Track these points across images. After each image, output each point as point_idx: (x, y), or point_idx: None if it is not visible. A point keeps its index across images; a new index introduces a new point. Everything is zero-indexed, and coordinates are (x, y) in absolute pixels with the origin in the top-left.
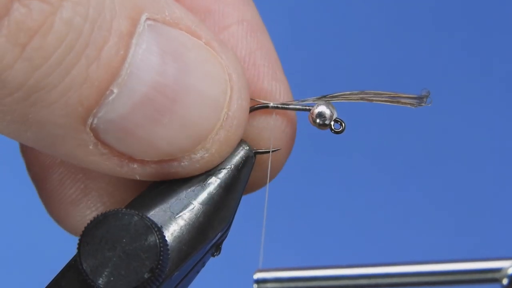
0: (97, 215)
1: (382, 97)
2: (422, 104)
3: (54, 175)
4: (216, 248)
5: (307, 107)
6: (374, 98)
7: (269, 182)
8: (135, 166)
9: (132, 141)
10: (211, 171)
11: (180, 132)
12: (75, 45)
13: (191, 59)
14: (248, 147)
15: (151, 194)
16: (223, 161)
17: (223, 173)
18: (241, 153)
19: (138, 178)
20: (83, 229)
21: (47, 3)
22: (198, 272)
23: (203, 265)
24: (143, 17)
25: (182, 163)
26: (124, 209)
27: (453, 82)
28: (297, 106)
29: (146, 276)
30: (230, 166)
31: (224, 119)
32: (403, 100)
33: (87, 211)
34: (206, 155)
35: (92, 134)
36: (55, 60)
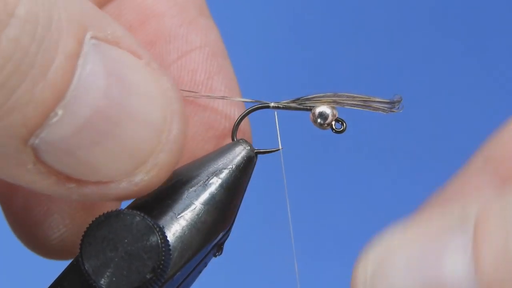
0: (99, 215)
1: (355, 101)
2: (394, 110)
3: (18, 197)
4: (218, 248)
5: (308, 107)
6: (346, 102)
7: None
8: (73, 185)
9: (72, 162)
10: (212, 171)
11: (121, 155)
12: (21, 65)
13: (133, 81)
14: (249, 147)
15: (153, 194)
16: (224, 161)
17: (224, 173)
18: (242, 153)
19: (74, 198)
20: (85, 229)
21: None
22: (200, 272)
23: (205, 265)
24: (88, 36)
25: (121, 185)
26: (126, 210)
27: (454, 82)
28: (298, 106)
29: (148, 276)
30: (231, 166)
31: (164, 142)
32: (374, 105)
33: (50, 233)
34: (146, 178)
35: (32, 154)
36: (0, 80)
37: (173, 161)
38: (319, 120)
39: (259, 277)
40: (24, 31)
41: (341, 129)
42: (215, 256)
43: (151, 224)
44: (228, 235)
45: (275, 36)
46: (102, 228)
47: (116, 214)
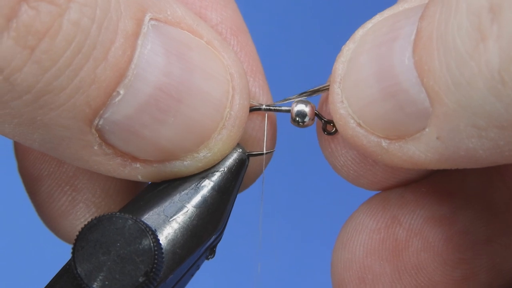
0: (91, 219)
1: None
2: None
3: (43, 188)
4: (211, 251)
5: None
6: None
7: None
8: (138, 165)
9: (137, 141)
10: (204, 174)
11: (184, 132)
12: (83, 47)
13: (194, 59)
14: (241, 150)
15: (145, 197)
16: (216, 164)
17: (216, 176)
18: (234, 156)
19: (140, 179)
20: (77, 233)
21: (55, 4)
22: (192, 275)
23: (197, 268)
24: (147, 17)
25: (185, 162)
26: (118, 213)
27: None
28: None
29: (140, 279)
30: (223, 169)
31: (227, 118)
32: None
33: (77, 222)
34: (209, 154)
35: (97, 135)
36: (63, 62)
37: (235, 136)
38: (298, 119)
39: (252, 279)
40: (83, 14)
41: (333, 130)
42: (208, 258)
43: (143, 227)
44: (221, 238)
45: (275, 36)
46: (95, 232)
47: (108, 218)
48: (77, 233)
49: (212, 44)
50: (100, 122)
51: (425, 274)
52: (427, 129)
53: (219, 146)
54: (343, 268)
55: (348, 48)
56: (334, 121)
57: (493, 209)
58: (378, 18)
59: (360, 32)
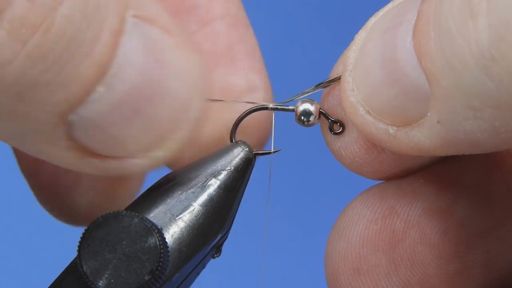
0: (97, 217)
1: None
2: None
3: (47, 165)
4: (217, 250)
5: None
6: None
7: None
8: (95, 160)
9: (102, 138)
10: (211, 173)
11: (148, 131)
12: (72, 42)
13: (169, 58)
14: (247, 148)
15: (151, 196)
16: (223, 163)
17: (223, 175)
18: (241, 155)
19: (94, 172)
20: (83, 231)
21: None
22: (198, 273)
23: (203, 267)
24: (129, 14)
25: (140, 161)
26: (124, 211)
27: None
28: (290, 107)
29: (146, 278)
30: (230, 168)
31: (184, 120)
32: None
33: (79, 198)
34: (163, 154)
35: (65, 130)
36: (52, 57)
37: (188, 138)
38: (303, 118)
39: (257, 278)
40: (76, 9)
41: (340, 130)
42: (214, 257)
43: (149, 225)
44: (227, 237)
45: (277, 37)
46: (101, 230)
47: (114, 216)
48: (83, 231)
49: (183, 43)
50: (73, 118)
51: (421, 267)
52: (428, 114)
53: (173, 147)
54: (338, 257)
55: (360, 37)
56: (344, 109)
57: (489, 202)
58: (389, 6)
59: (372, 21)
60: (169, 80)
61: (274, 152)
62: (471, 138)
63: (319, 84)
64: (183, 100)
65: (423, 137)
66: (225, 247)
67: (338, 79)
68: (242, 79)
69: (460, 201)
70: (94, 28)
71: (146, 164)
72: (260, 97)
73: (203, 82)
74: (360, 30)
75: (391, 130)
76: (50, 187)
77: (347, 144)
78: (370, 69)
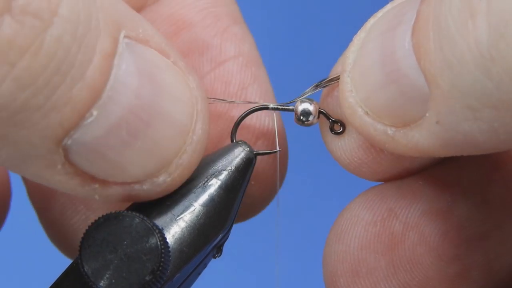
0: (98, 217)
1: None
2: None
3: (56, 205)
4: (218, 250)
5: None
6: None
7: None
8: (97, 186)
9: (101, 163)
10: (211, 173)
11: (149, 156)
12: (62, 65)
13: (163, 80)
14: (248, 148)
15: None
16: (224, 163)
17: (223, 175)
18: (241, 155)
19: (97, 198)
20: (84, 231)
21: (39, 18)
22: (199, 273)
23: (204, 267)
24: (122, 35)
25: (144, 186)
26: (125, 211)
27: None
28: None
29: (147, 278)
30: (230, 168)
31: (189, 143)
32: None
33: None
34: (168, 179)
35: (63, 155)
36: (42, 80)
37: (195, 161)
38: (302, 118)
39: (258, 278)
40: (66, 31)
41: (341, 130)
42: (215, 257)
43: (150, 226)
44: (228, 237)
45: (277, 36)
46: (102, 230)
47: (115, 216)
48: (84, 230)
49: (178, 65)
50: (68, 142)
51: (420, 269)
52: (427, 114)
53: (179, 172)
54: (336, 260)
55: (359, 38)
56: (343, 110)
57: (489, 204)
58: (388, 7)
59: (371, 22)
60: (167, 102)
61: (274, 152)
62: (470, 139)
63: (318, 84)
64: (184, 122)
65: (422, 138)
66: (225, 247)
67: (336, 78)
68: (256, 123)
69: (459, 203)
70: (85, 50)
71: (151, 189)
72: (270, 141)
73: (203, 104)
74: (359, 31)
75: (390, 131)
76: (59, 226)
77: (346, 145)
78: (369, 70)
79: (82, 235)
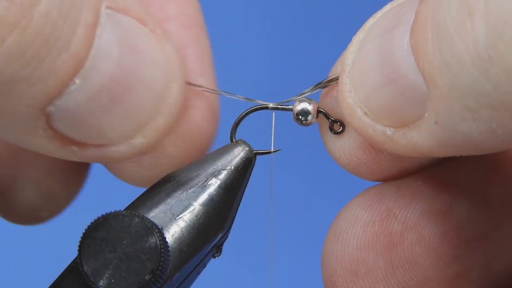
0: (98, 217)
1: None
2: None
3: None
4: (217, 249)
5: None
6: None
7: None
8: (75, 148)
9: (81, 128)
10: (211, 172)
11: (126, 119)
12: (49, 38)
13: (142, 48)
14: (248, 148)
15: (152, 195)
16: (223, 162)
17: (223, 174)
18: (241, 154)
19: (75, 159)
20: (83, 231)
21: None
22: (199, 273)
23: (204, 266)
24: (103, 6)
25: (121, 148)
26: (124, 211)
27: None
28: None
29: (147, 277)
30: (230, 167)
31: (164, 106)
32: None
33: (17, 197)
34: (144, 140)
35: (45, 121)
36: (30, 53)
37: (170, 124)
38: (301, 117)
39: (258, 278)
40: (52, 6)
41: (340, 130)
42: (214, 257)
43: (149, 225)
44: (227, 236)
45: (277, 36)
46: (101, 230)
47: (114, 216)
48: (83, 230)
49: (155, 32)
50: (52, 109)
51: (419, 269)
52: (426, 115)
53: (154, 134)
54: (335, 260)
55: (358, 38)
56: (342, 110)
57: (488, 204)
58: (387, 7)
59: (370, 22)
60: (144, 68)
61: (274, 151)
62: (469, 139)
63: (317, 84)
64: (160, 87)
65: (421, 138)
66: (225, 246)
67: (336, 79)
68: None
69: (458, 203)
70: (70, 23)
71: (127, 151)
72: (204, 104)
73: (178, 69)
74: (358, 32)
75: (389, 131)
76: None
77: (345, 145)
78: (368, 71)
79: (84, 231)
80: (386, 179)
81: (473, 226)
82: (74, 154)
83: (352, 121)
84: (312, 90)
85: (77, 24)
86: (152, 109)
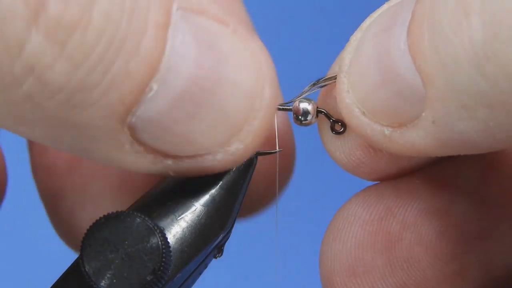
0: (100, 217)
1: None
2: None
3: (64, 203)
4: (218, 250)
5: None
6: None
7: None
8: (170, 162)
9: (169, 138)
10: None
11: (217, 125)
12: (114, 40)
13: (224, 48)
14: None
15: (153, 196)
16: None
17: (224, 175)
18: None
19: (172, 175)
20: (85, 231)
21: None
22: (200, 274)
23: (205, 267)
24: (175, 7)
25: (217, 157)
26: (126, 211)
27: None
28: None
29: (148, 278)
30: (231, 168)
31: (258, 109)
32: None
33: None
34: (241, 146)
35: (129, 133)
36: (95, 57)
37: (266, 127)
38: (300, 117)
39: (258, 278)
40: (113, 4)
41: (342, 130)
42: (215, 257)
43: (151, 225)
44: (229, 237)
45: (276, 37)
46: (103, 230)
47: (116, 216)
48: (85, 230)
49: (238, 31)
50: (133, 120)
51: (418, 268)
52: (423, 114)
53: (251, 138)
54: (333, 259)
55: (355, 38)
56: (340, 110)
57: (486, 203)
58: (385, 7)
59: (367, 22)
60: (229, 69)
61: (275, 152)
62: (466, 138)
63: (315, 83)
64: (250, 88)
65: (418, 138)
66: (226, 247)
67: (334, 78)
68: None
69: (456, 202)
70: (136, 24)
71: (226, 159)
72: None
73: (269, 68)
74: (356, 31)
75: (387, 131)
76: (66, 223)
77: (344, 145)
78: (365, 70)
79: (86, 231)
80: (385, 178)
81: (472, 225)
82: (169, 169)
83: (350, 121)
84: (309, 88)
85: (145, 25)
86: (244, 112)
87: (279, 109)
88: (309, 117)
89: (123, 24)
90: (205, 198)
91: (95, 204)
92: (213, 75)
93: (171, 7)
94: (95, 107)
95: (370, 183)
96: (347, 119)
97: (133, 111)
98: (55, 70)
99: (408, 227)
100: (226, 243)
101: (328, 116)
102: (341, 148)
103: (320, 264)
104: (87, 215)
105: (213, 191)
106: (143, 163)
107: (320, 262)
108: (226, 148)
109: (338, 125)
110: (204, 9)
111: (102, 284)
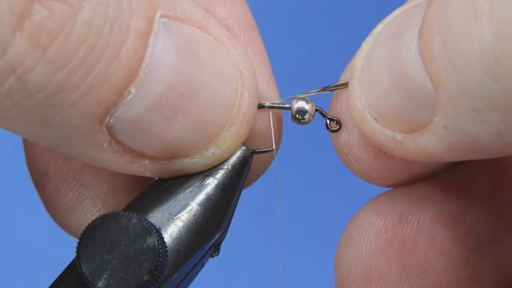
0: (96, 218)
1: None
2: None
3: (50, 183)
4: (215, 249)
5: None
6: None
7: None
8: (146, 162)
9: (146, 139)
10: (208, 172)
11: (193, 129)
12: (95, 46)
13: (204, 56)
14: (245, 147)
15: (149, 195)
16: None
17: (220, 174)
18: (238, 153)
19: (148, 175)
20: (82, 231)
21: (68, 4)
22: (197, 273)
23: (202, 266)
24: (158, 15)
25: (194, 160)
26: (122, 212)
27: None
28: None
29: (145, 278)
30: (227, 167)
31: (236, 116)
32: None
33: (83, 217)
34: (218, 151)
35: (107, 133)
36: (76, 62)
37: (244, 133)
38: (297, 116)
39: (256, 277)
40: (96, 14)
41: (337, 128)
42: (212, 256)
43: (147, 225)
44: (225, 236)
45: (276, 37)
46: (99, 231)
47: (112, 216)
48: (82, 231)
49: (220, 40)
50: (111, 121)
51: (432, 274)
52: (435, 119)
53: (228, 144)
54: (348, 266)
55: (367, 44)
56: (352, 116)
57: (499, 209)
58: (396, 12)
59: (378, 28)
60: (208, 77)
61: (271, 150)
62: (478, 143)
63: (326, 88)
64: (228, 96)
65: (430, 143)
66: (223, 246)
67: (345, 84)
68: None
69: (469, 208)
70: (118, 31)
71: (202, 162)
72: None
73: (248, 77)
74: (367, 37)
75: (398, 136)
76: (54, 203)
77: (356, 151)
78: (376, 76)
79: (82, 232)
80: (398, 185)
81: (485, 230)
82: (146, 169)
83: (361, 127)
84: (319, 91)
85: (127, 32)
86: (222, 119)
87: (275, 107)
88: (306, 116)
89: (105, 32)
90: (201, 197)
91: (79, 181)
92: (191, 82)
93: (154, 15)
94: (74, 108)
95: (383, 189)
96: (359, 125)
97: (111, 112)
98: (36, 72)
99: (423, 234)
100: (223, 242)
101: (322, 113)
102: (353, 155)
103: (335, 272)
104: (72, 193)
105: (209, 190)
106: (121, 162)
107: (335, 269)
108: (204, 152)
109: (334, 123)
110: (187, 17)
111: (99, 284)
